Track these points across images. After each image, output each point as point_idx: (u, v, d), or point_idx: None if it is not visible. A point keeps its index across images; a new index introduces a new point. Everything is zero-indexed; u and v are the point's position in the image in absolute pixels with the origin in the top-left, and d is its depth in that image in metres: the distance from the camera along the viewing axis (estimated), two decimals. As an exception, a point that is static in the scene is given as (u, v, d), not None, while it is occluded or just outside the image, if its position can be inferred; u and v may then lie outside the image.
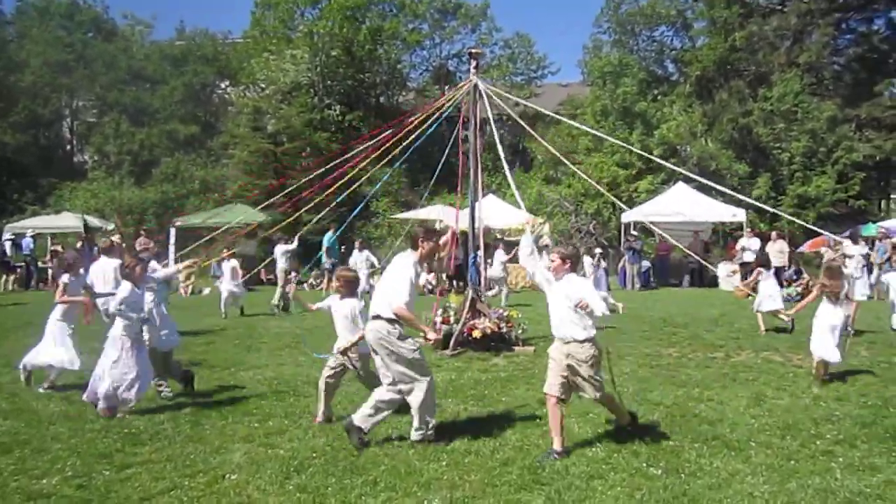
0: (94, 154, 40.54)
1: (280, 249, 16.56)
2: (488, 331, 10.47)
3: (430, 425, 5.99)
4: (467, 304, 10.86)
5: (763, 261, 13.71)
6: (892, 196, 31.78)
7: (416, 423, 5.97)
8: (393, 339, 5.89)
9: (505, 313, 11.03)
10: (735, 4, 30.95)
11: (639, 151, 21.11)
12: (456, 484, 5.11)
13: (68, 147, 43.12)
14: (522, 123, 13.22)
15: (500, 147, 11.68)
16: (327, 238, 19.28)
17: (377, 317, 5.97)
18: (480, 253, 11.42)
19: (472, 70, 11.35)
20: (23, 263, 22.96)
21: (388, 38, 36.02)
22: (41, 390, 7.96)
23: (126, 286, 7.18)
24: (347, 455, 5.72)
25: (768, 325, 12.10)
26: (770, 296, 12.08)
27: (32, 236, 23.28)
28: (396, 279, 6.04)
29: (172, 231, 22.81)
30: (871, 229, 21.58)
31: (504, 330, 10.65)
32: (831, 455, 5.66)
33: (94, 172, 37.09)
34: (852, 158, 26.98)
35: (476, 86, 11.14)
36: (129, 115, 38.46)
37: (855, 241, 18.34)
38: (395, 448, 5.90)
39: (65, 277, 8.19)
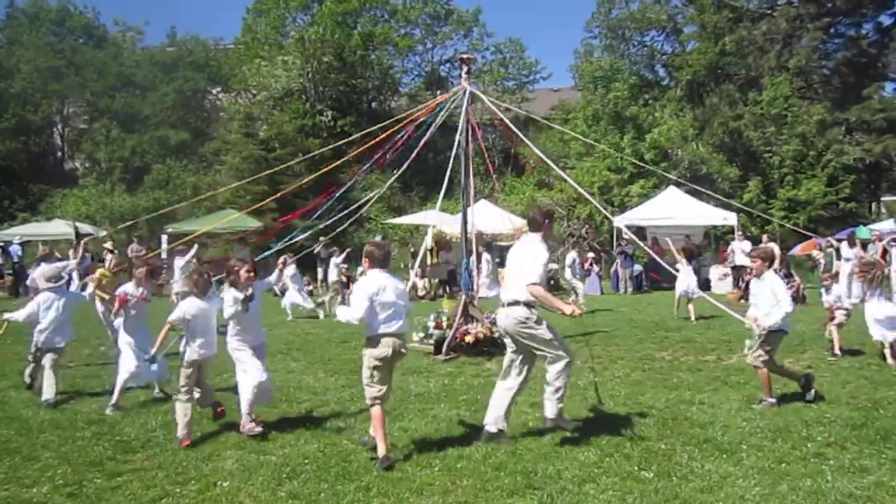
0: (84, 161, 40.44)
1: (334, 261, 17.68)
2: (481, 335, 10.47)
3: (562, 396, 6.12)
4: (460, 308, 10.86)
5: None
6: (882, 199, 31.95)
7: (548, 392, 6.09)
8: (531, 323, 5.99)
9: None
10: (725, 9, 31.15)
11: (619, 155, 21.16)
12: (448, 489, 5.11)
13: (59, 154, 43.00)
14: (513, 128, 13.25)
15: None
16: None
17: (514, 302, 6.02)
18: (473, 258, 11.44)
19: (464, 75, 11.38)
20: (11, 271, 22.85)
21: (380, 44, 36.13)
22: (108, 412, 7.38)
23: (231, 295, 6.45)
24: (339, 461, 5.71)
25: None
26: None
27: (21, 243, 23.16)
28: (528, 261, 6.02)
29: (164, 238, 22.75)
30: (864, 232, 21.67)
31: (497, 334, 10.64)
32: (822, 457, 5.67)
33: (86, 179, 36.99)
34: (842, 161, 27.15)
35: (467, 91, 11.16)
36: (121, 121, 38.40)
37: (851, 244, 18.44)
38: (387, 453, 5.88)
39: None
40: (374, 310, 5.66)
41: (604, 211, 16.54)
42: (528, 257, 6.06)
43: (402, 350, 5.83)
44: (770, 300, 7.22)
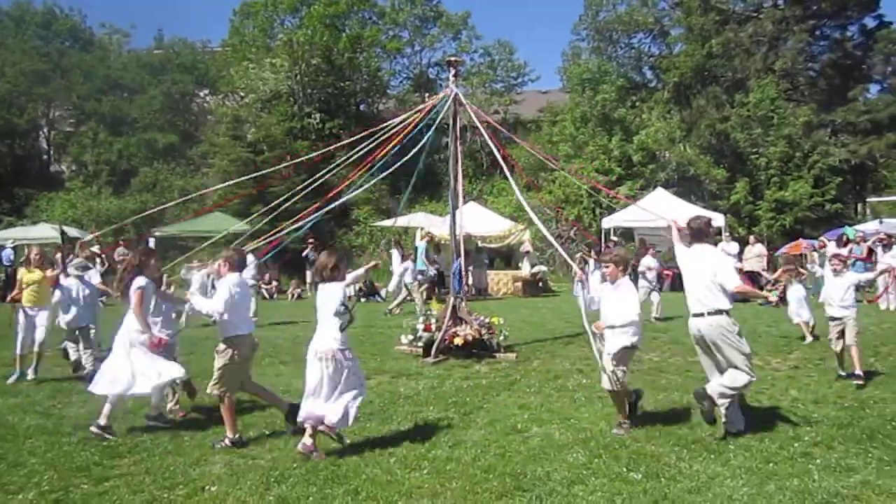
0: (71, 164, 40.17)
1: (405, 266, 17.46)
2: (470, 338, 10.45)
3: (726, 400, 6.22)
4: (449, 311, 10.85)
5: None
6: (867, 200, 32.21)
7: (716, 391, 6.20)
8: (734, 333, 6.20)
9: (487, 320, 11.03)
10: (711, 12, 31.36)
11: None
12: (437, 492, 5.11)
13: (45, 157, 42.69)
14: (503, 130, 13.26)
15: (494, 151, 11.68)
16: (422, 247, 19.32)
17: (718, 311, 6.20)
18: (461, 260, 11.44)
19: (451, 78, 11.38)
20: (4, 275, 22.64)
21: (368, 46, 36.07)
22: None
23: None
24: (328, 465, 5.70)
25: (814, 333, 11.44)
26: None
27: (13, 247, 22.93)
28: (721, 269, 6.28)
29: (151, 241, 22.59)
30: (850, 233, 21.82)
31: (486, 337, 10.65)
32: (809, 457, 5.72)
33: (72, 182, 36.73)
34: (828, 163, 27.38)
35: (453, 94, 11.16)
36: (107, 124, 38.17)
37: (840, 244, 18.59)
38: (376, 457, 5.87)
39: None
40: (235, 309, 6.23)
41: (609, 195, 16.48)
42: (718, 265, 6.35)
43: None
44: (622, 308, 6.43)
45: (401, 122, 11.70)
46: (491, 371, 9.55)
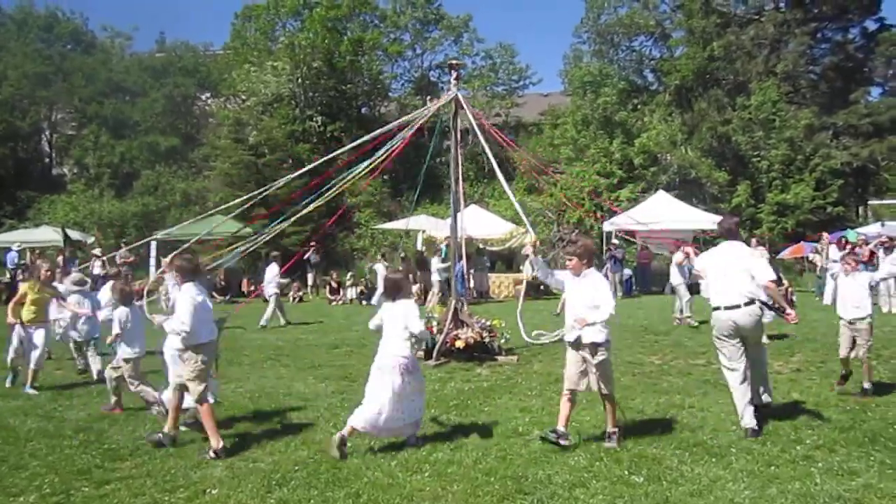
0: (73, 167, 40.24)
1: (436, 265, 17.70)
2: (471, 341, 10.46)
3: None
4: (450, 313, 10.86)
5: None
6: (869, 202, 32.19)
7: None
8: (761, 321, 6.70)
9: (488, 323, 11.04)
10: (713, 14, 31.36)
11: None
12: (439, 495, 5.10)
13: (47, 160, 42.77)
14: (500, 137, 13.26)
15: (490, 157, 11.69)
16: (444, 250, 19.39)
17: (752, 301, 6.50)
18: (464, 263, 11.44)
19: (453, 81, 11.38)
20: (9, 277, 22.70)
21: (370, 49, 36.09)
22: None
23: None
24: (329, 468, 5.69)
25: None
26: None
27: (19, 250, 22.93)
28: (755, 264, 6.62)
29: (153, 244, 22.60)
30: (852, 235, 21.81)
31: (487, 340, 10.65)
32: (811, 460, 5.70)
33: (74, 185, 36.80)
34: (830, 166, 27.36)
35: (456, 98, 11.16)
36: (109, 127, 38.24)
37: (841, 248, 18.58)
38: (377, 460, 5.87)
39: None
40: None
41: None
42: (753, 261, 6.72)
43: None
44: (589, 301, 6.09)
45: (405, 124, 11.70)
46: (492, 374, 9.55)
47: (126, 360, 7.39)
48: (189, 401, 6.49)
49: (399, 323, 6.21)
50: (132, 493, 5.25)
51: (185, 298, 6.25)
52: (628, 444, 6.12)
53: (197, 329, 6.24)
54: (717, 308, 6.62)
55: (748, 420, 6.39)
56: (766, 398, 6.94)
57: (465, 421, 7.08)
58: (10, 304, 9.26)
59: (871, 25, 31.33)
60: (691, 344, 11.80)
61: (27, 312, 9.01)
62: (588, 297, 6.10)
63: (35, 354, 8.91)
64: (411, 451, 6.04)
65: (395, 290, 6.42)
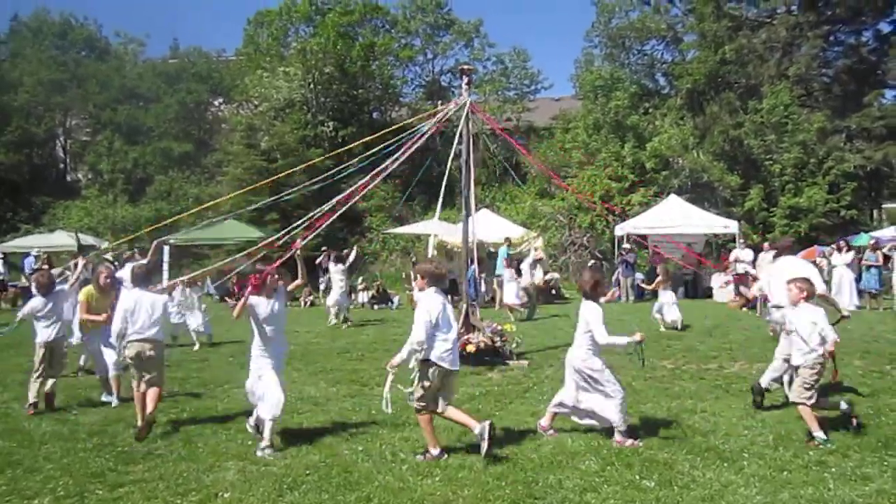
0: (87, 172, 40.58)
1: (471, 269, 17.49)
2: (482, 345, 10.46)
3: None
4: (461, 318, 10.85)
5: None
6: (883, 206, 31.96)
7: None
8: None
9: (500, 327, 11.03)
10: (724, 18, 31.27)
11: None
12: (450, 499, 5.11)
13: (62, 166, 43.16)
14: (512, 141, 13.27)
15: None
16: (502, 253, 19.38)
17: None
18: (475, 267, 11.44)
19: (464, 87, 11.40)
20: (25, 283, 22.92)
21: (381, 55, 36.22)
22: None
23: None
24: (341, 472, 5.71)
25: None
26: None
27: (36, 255, 23.09)
28: (811, 273, 7.57)
29: (166, 249, 22.74)
30: (863, 239, 21.70)
31: (498, 344, 10.65)
32: (824, 465, 5.67)
33: (88, 190, 37.10)
34: (843, 169, 27.19)
35: (468, 102, 11.18)
36: (123, 133, 38.54)
37: (840, 250, 18.51)
38: (388, 464, 5.89)
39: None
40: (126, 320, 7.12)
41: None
42: (805, 268, 7.88)
43: (150, 352, 7.11)
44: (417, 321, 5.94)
45: (416, 128, 11.73)
46: (503, 378, 9.54)
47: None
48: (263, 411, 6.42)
49: (582, 324, 6.61)
50: (145, 496, 5.30)
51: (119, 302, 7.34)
52: (640, 449, 6.11)
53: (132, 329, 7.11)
54: (778, 307, 7.86)
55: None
56: (775, 385, 7.78)
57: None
58: (79, 319, 8.83)
59: (885, 28, 31.25)
60: (704, 348, 11.75)
61: (84, 320, 8.64)
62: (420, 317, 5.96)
63: (108, 360, 8.44)
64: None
65: (584, 289, 6.77)
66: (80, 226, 29.35)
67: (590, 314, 6.46)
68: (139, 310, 7.11)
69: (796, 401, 6.44)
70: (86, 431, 7.03)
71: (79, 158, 41.88)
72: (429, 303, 6.01)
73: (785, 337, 7.43)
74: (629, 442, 6.25)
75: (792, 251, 8.64)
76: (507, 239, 19.17)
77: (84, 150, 40.68)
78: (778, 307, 7.95)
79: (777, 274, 8.06)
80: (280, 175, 14.45)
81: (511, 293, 16.71)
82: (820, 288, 7.35)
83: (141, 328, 7.08)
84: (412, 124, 12.14)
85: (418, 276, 6.31)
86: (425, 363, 5.95)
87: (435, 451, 5.99)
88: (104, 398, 8.47)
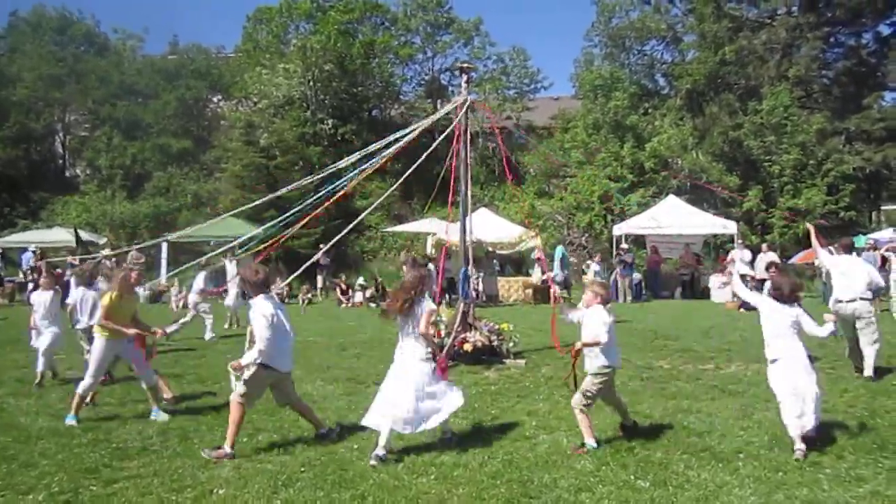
0: (85, 168, 40.52)
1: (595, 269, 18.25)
2: (479, 344, 10.46)
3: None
4: (458, 317, 10.86)
5: None
6: (882, 208, 31.99)
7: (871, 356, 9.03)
8: (873, 314, 9.16)
9: (497, 326, 11.03)
10: (725, 19, 31.27)
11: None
12: (444, 498, 5.11)
13: (60, 161, 43.09)
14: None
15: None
16: (558, 251, 19.29)
17: (865, 298, 9.06)
18: (471, 266, 11.44)
19: (464, 85, 11.40)
20: (22, 278, 22.93)
21: (381, 53, 36.19)
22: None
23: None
24: (336, 469, 5.71)
25: None
26: None
27: (33, 251, 23.08)
28: (871, 269, 9.47)
29: (164, 245, 22.73)
30: (860, 241, 21.69)
31: (495, 343, 10.65)
32: (819, 466, 5.67)
33: (86, 186, 37.05)
34: (842, 170, 27.22)
35: (466, 101, 11.18)
36: (122, 129, 38.46)
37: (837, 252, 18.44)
38: (383, 462, 5.88)
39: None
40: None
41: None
42: (870, 269, 9.56)
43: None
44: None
45: (416, 128, 11.73)
46: (500, 377, 9.54)
47: None
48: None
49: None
50: (140, 492, 5.30)
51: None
52: (635, 449, 6.12)
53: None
54: (840, 301, 9.09)
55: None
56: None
57: (471, 424, 7.09)
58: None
59: (885, 30, 31.30)
60: (700, 349, 11.75)
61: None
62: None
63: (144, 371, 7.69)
64: (417, 454, 6.05)
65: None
66: (78, 222, 29.28)
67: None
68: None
69: (576, 406, 6.25)
70: (81, 427, 7.03)
71: (77, 154, 41.78)
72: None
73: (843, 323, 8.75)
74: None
75: (850, 250, 9.79)
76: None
77: (83, 145, 40.58)
78: (844, 301, 9.08)
79: (847, 271, 9.32)
80: (304, 181, 14.17)
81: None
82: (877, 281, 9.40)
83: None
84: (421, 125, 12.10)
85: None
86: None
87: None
88: (153, 415, 7.39)
